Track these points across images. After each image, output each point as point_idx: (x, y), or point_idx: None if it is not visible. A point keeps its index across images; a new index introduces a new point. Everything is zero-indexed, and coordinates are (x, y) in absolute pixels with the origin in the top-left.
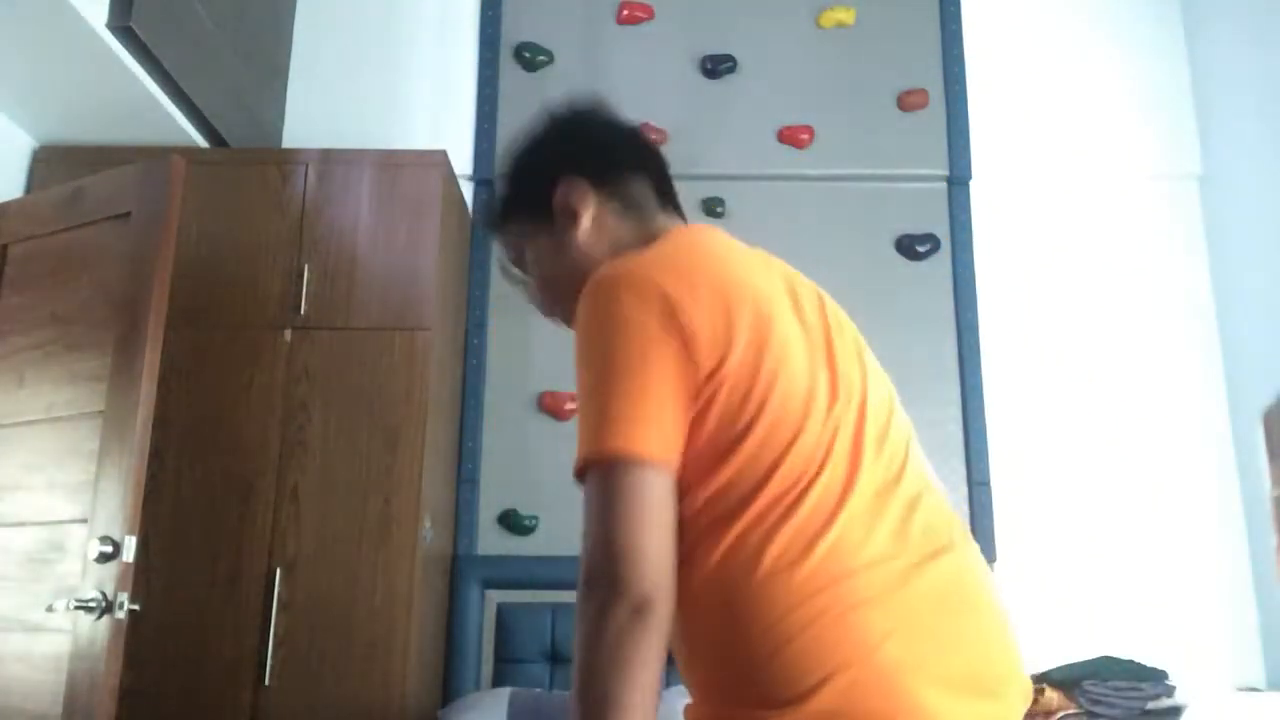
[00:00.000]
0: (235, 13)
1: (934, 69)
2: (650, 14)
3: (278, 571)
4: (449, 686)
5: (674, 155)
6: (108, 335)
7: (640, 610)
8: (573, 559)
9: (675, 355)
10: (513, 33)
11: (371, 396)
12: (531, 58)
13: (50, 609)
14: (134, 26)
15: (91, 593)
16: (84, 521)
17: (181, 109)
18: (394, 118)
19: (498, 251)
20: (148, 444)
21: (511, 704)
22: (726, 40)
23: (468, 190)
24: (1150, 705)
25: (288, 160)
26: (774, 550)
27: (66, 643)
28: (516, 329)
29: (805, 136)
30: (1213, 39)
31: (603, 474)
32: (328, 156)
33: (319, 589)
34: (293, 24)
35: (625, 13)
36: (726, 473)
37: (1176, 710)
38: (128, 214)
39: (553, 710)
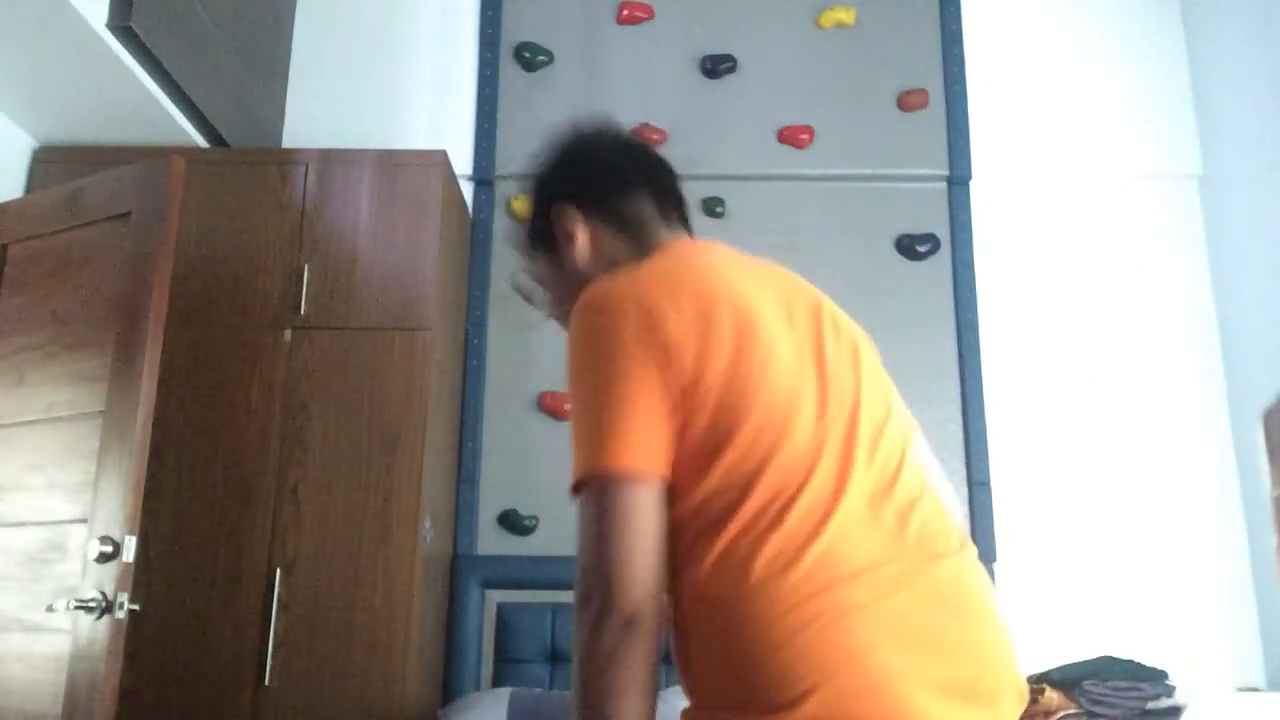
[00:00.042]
0: (235, 13)
1: (934, 69)
2: (650, 14)
3: (278, 571)
4: (449, 686)
5: (674, 155)
6: (108, 335)
7: (630, 624)
8: (573, 559)
9: (656, 367)
10: (513, 33)
11: (371, 396)
12: (531, 58)
13: (50, 609)
14: (134, 26)
15: (91, 593)
16: (84, 521)
17: (181, 109)
18: (394, 118)
19: (512, 270)
20: (148, 444)
21: (511, 704)
22: (726, 40)
23: (468, 190)
24: (1150, 705)
25: (288, 160)
26: (764, 557)
27: (66, 643)
28: (516, 329)
29: (805, 136)
30: (1213, 39)
31: (593, 493)
32: (328, 156)
33: (319, 589)
34: (293, 24)
35: (625, 13)
36: (713, 478)
37: (1176, 710)
38: (128, 214)
39: (553, 710)
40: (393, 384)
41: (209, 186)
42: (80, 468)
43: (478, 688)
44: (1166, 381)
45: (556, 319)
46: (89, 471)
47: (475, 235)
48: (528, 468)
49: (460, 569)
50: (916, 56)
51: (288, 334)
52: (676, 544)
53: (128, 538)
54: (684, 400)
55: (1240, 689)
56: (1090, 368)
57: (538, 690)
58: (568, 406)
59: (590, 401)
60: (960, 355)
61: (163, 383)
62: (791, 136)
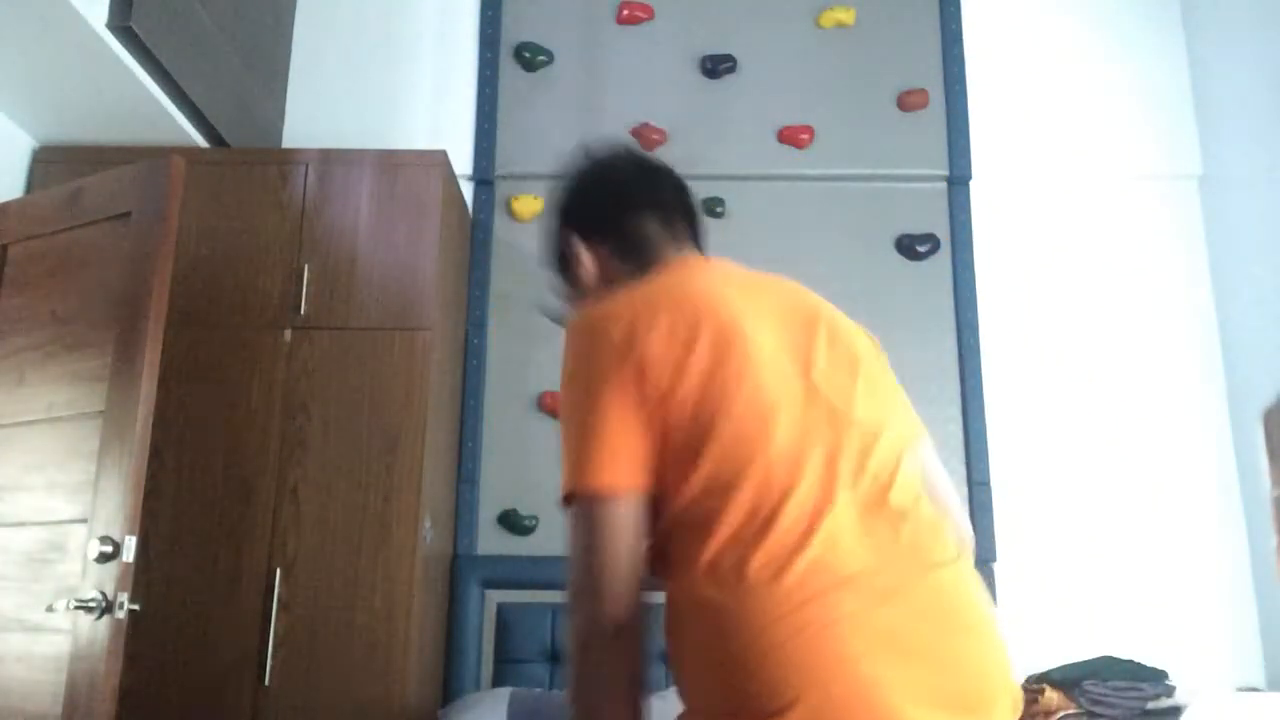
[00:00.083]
0: (235, 13)
1: (934, 69)
2: (650, 14)
3: (278, 571)
4: (449, 686)
5: (674, 155)
6: (108, 335)
7: (612, 635)
8: None
9: (633, 384)
10: (513, 33)
11: (371, 396)
12: (531, 58)
13: (50, 609)
14: (134, 26)
15: (91, 593)
16: (84, 521)
17: (181, 109)
18: (394, 118)
19: (539, 291)
20: (148, 444)
21: (511, 704)
22: (726, 40)
23: (468, 190)
24: (1150, 705)
25: (288, 160)
26: (753, 564)
27: (66, 643)
28: (516, 329)
29: (805, 136)
30: (1213, 39)
31: (577, 510)
32: (328, 156)
33: (319, 589)
34: (293, 24)
35: (625, 13)
36: (695, 484)
37: (1176, 710)
38: (128, 214)
39: (553, 710)
40: (393, 384)
41: (209, 186)
42: (80, 468)
43: (478, 688)
44: (1166, 381)
45: None
46: (89, 471)
47: (475, 235)
48: (528, 468)
49: (460, 569)
50: (916, 56)
51: (288, 334)
52: (667, 550)
53: (128, 538)
54: (661, 412)
55: (1240, 689)
56: (1090, 368)
57: (538, 690)
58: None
59: (572, 419)
60: (960, 355)
61: (163, 383)
62: (791, 136)
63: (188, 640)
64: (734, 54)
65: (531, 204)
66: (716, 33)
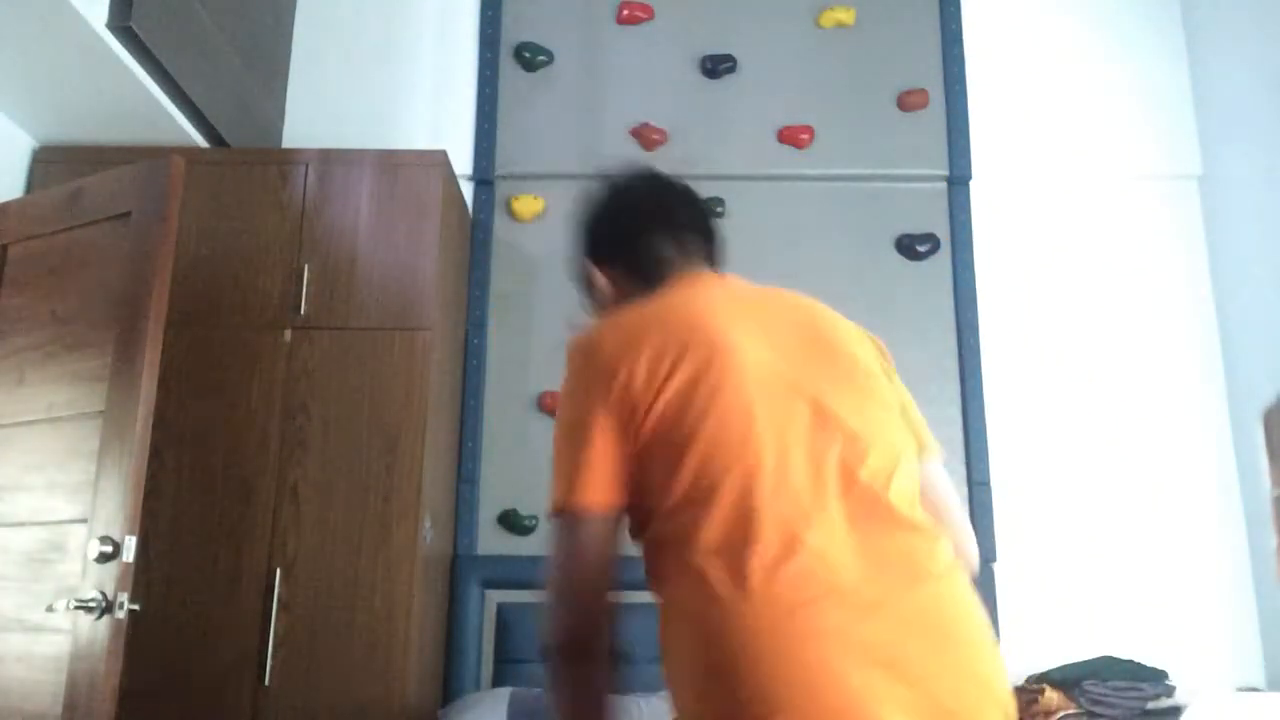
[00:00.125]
0: (235, 13)
1: (934, 69)
2: (650, 14)
3: (278, 571)
4: (449, 686)
5: (674, 155)
6: (108, 335)
7: (579, 649)
8: None
9: (613, 402)
10: (513, 33)
11: (371, 396)
12: (531, 58)
13: (50, 609)
14: (134, 26)
15: (91, 593)
16: (84, 521)
17: (181, 109)
18: (394, 118)
19: (571, 312)
20: (148, 444)
21: (511, 704)
22: (726, 40)
23: (468, 190)
24: (1150, 705)
25: (288, 160)
26: (737, 574)
27: (66, 643)
28: (516, 329)
29: (805, 136)
30: (1213, 39)
31: (559, 524)
32: (328, 156)
33: (319, 589)
34: (293, 24)
35: (625, 13)
36: (677, 495)
37: (1176, 710)
38: (128, 214)
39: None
40: (393, 384)
41: (209, 186)
42: (80, 468)
43: (478, 688)
44: (1166, 381)
45: None
46: (89, 471)
47: (475, 235)
48: (528, 468)
49: (460, 569)
50: (916, 56)
51: (288, 334)
52: (656, 560)
53: (128, 538)
54: (643, 427)
55: (1240, 689)
56: (1090, 368)
57: (538, 690)
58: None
59: (562, 438)
60: (960, 355)
61: (163, 383)
62: (791, 136)
63: (188, 640)
64: (734, 54)
65: (531, 204)
66: (716, 33)
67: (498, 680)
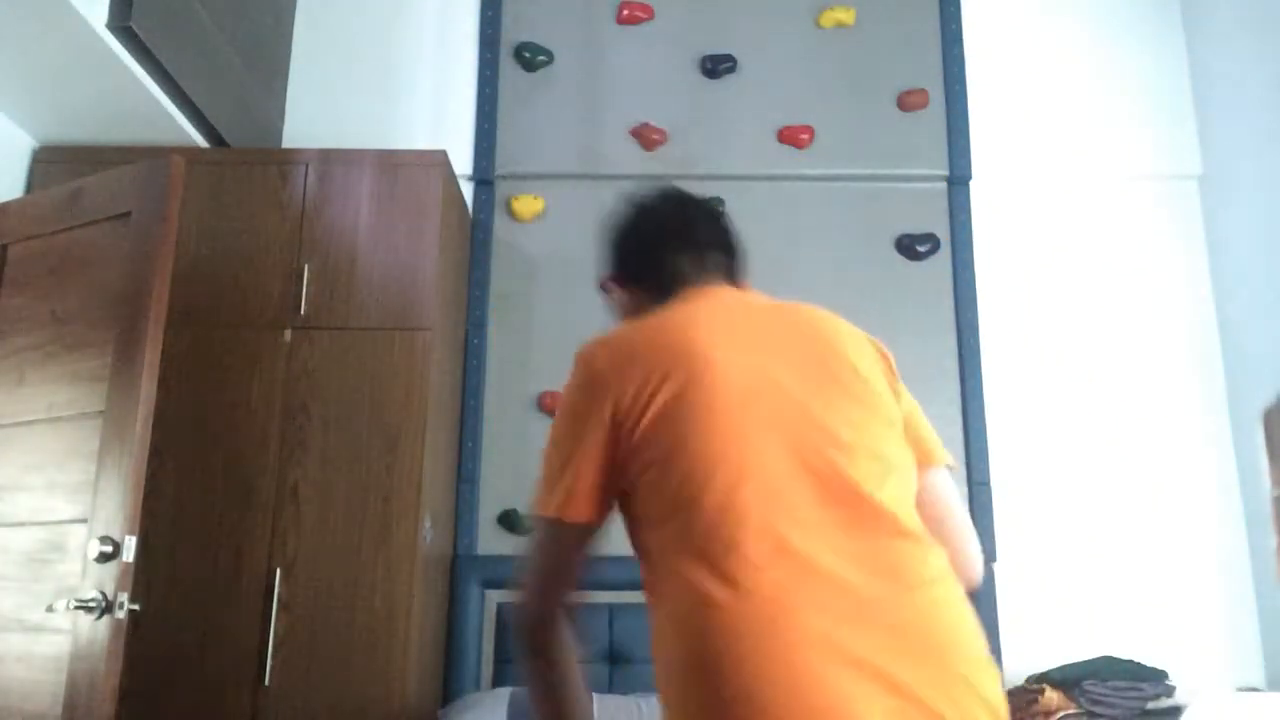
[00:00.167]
0: (235, 13)
1: (934, 69)
2: (650, 14)
3: (278, 571)
4: (449, 686)
5: (674, 155)
6: (107, 335)
7: (541, 620)
8: None
9: (599, 416)
10: (513, 33)
11: (371, 396)
12: (531, 58)
13: (50, 609)
14: (134, 26)
15: (91, 593)
16: (84, 521)
17: (181, 109)
18: (394, 118)
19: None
20: (148, 444)
21: (511, 704)
22: (726, 40)
23: (468, 190)
24: (1150, 705)
25: (288, 160)
26: (722, 580)
27: (66, 643)
28: (516, 329)
29: (805, 136)
30: (1213, 39)
31: (538, 525)
32: (328, 156)
33: (319, 589)
34: (293, 24)
35: (625, 13)
36: (663, 505)
37: (1176, 710)
38: (128, 214)
39: None
40: (393, 384)
41: (209, 186)
42: (80, 468)
43: (478, 688)
44: (1166, 381)
45: None
46: (89, 471)
47: (475, 235)
48: (528, 468)
49: (460, 569)
50: (916, 56)
51: (288, 334)
52: (648, 567)
53: (128, 538)
54: (626, 440)
55: (1240, 689)
56: (1090, 368)
57: None
58: None
59: (550, 442)
60: (960, 355)
61: (163, 383)
62: (791, 136)
63: (188, 640)
64: (734, 54)
65: (531, 204)
66: (716, 33)
67: (498, 680)
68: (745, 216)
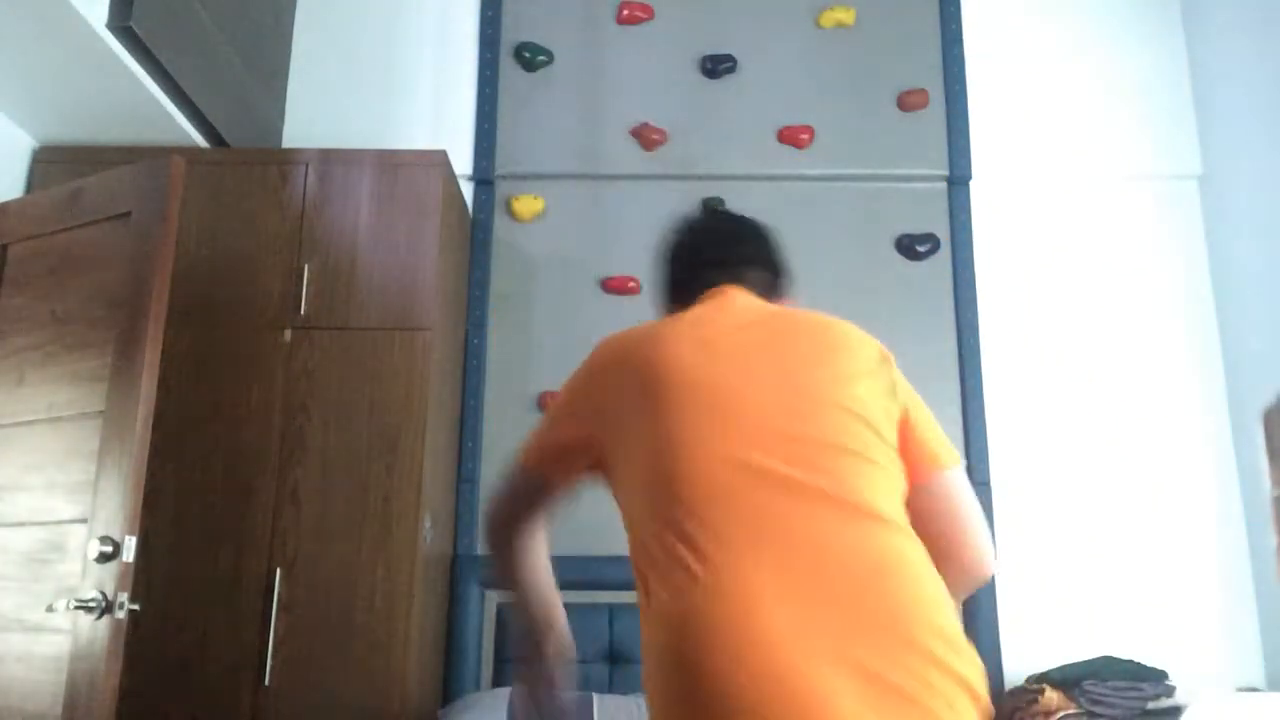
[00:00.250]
0: (235, 13)
1: (934, 69)
2: (650, 14)
3: (278, 571)
4: (449, 686)
5: (674, 155)
6: (108, 335)
7: (496, 540)
8: (572, 559)
9: (591, 405)
10: (513, 33)
11: (371, 396)
12: (531, 58)
13: (50, 609)
14: (134, 26)
15: (91, 593)
16: (84, 521)
17: (181, 109)
18: (394, 118)
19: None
20: (148, 444)
21: (512, 704)
22: (726, 40)
23: (468, 190)
24: (1150, 705)
25: (288, 160)
26: (688, 577)
27: (66, 643)
28: (516, 329)
29: (805, 136)
30: (1212, 39)
31: (514, 466)
32: (328, 156)
33: (319, 589)
34: (293, 24)
35: (625, 13)
36: (636, 506)
37: (1176, 710)
38: (128, 214)
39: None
40: (393, 384)
41: (209, 186)
42: (80, 468)
43: (478, 688)
44: (1166, 381)
45: None
46: (89, 471)
47: (475, 235)
48: None
49: (460, 569)
50: (916, 56)
51: (288, 334)
52: (633, 566)
53: (128, 538)
54: (595, 430)
55: (1240, 689)
56: (1090, 368)
57: None
58: None
59: (549, 408)
60: (960, 355)
61: (163, 383)
62: (791, 136)
63: (188, 640)
64: (734, 54)
65: (531, 204)
66: (716, 33)
67: (498, 680)
68: None
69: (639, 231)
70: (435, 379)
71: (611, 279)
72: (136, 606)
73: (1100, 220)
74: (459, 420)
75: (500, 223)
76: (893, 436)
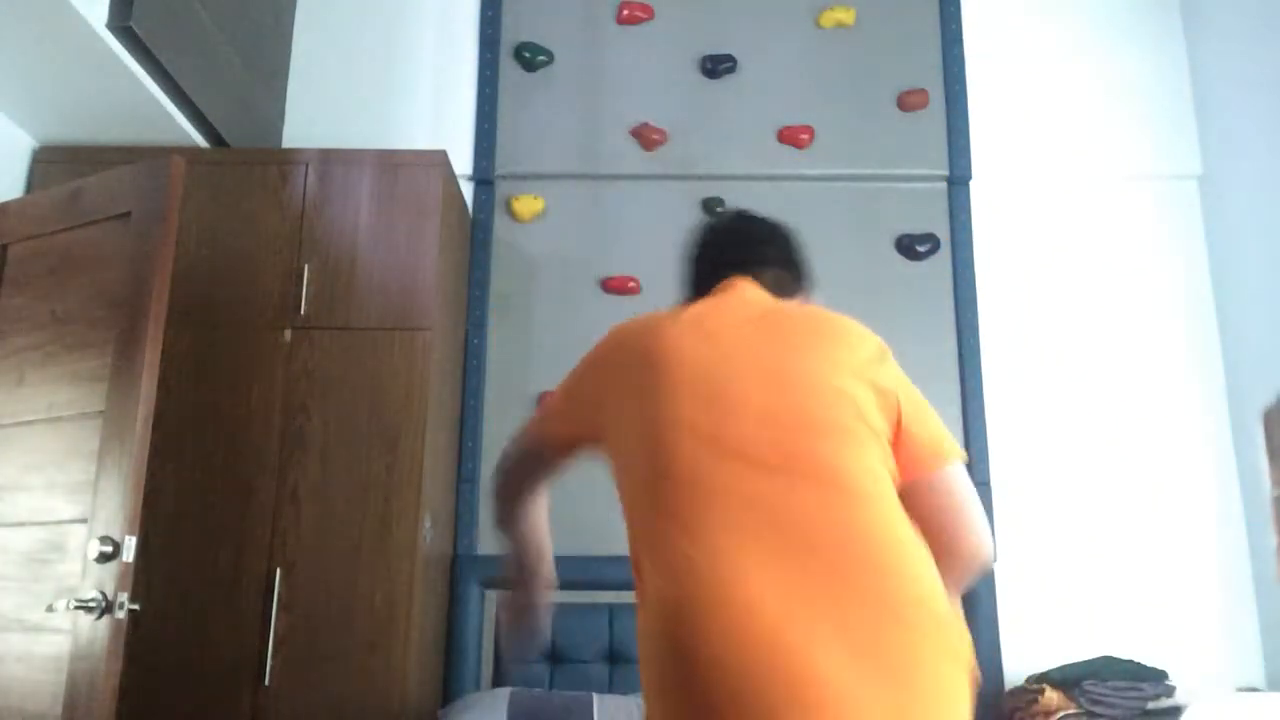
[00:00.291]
0: (235, 13)
1: (934, 69)
2: (650, 14)
3: (278, 571)
4: (449, 686)
5: (674, 155)
6: (107, 335)
7: (503, 494)
8: (572, 559)
9: (595, 384)
10: (513, 33)
11: (371, 396)
12: (531, 58)
13: (50, 609)
14: (134, 26)
15: (91, 593)
16: (84, 521)
17: (181, 109)
18: (394, 118)
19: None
20: (148, 444)
21: (511, 704)
22: (726, 40)
23: (468, 190)
24: (1150, 705)
25: (288, 160)
26: (672, 574)
27: (66, 643)
28: (516, 329)
29: (805, 136)
30: (1212, 39)
31: (527, 424)
32: (328, 156)
33: (319, 589)
34: (293, 24)
35: (625, 13)
36: (627, 496)
37: (1176, 710)
38: (128, 214)
39: (553, 710)
40: (393, 384)
41: (209, 186)
42: (80, 468)
43: (478, 688)
44: (1166, 381)
45: None
46: (89, 471)
47: (475, 235)
48: None
49: (460, 569)
50: (916, 56)
51: (288, 334)
52: (633, 561)
53: (128, 538)
54: (594, 414)
55: (1240, 689)
56: (1090, 368)
57: (538, 690)
58: None
59: (560, 384)
60: (960, 355)
61: (163, 383)
62: (791, 136)
63: (188, 640)
64: (734, 54)
65: (531, 204)
66: (716, 33)
67: (498, 680)
68: None
69: (639, 231)
70: (435, 379)
71: (611, 279)
72: (136, 606)
73: (1100, 220)
74: (459, 420)
75: (500, 223)
76: (880, 423)
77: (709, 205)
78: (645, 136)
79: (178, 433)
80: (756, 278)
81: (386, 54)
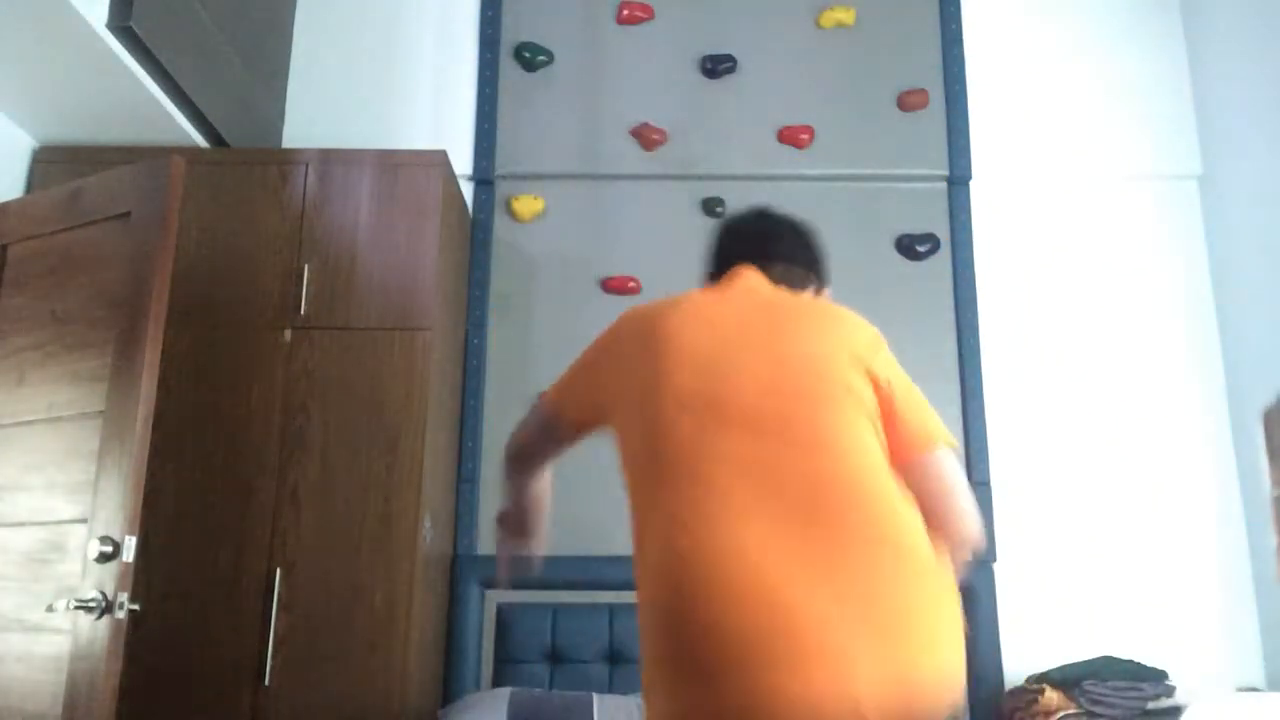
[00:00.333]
0: (235, 13)
1: (934, 69)
2: (650, 14)
3: (278, 571)
4: (449, 686)
5: (674, 155)
6: (107, 335)
7: (511, 461)
8: (572, 559)
9: (604, 363)
10: (513, 33)
11: (371, 396)
12: (531, 58)
13: (50, 609)
14: (134, 26)
15: (91, 593)
16: (84, 521)
17: (181, 109)
18: (394, 118)
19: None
20: (148, 444)
21: (511, 704)
22: (726, 40)
23: (468, 190)
24: (1150, 705)
25: (288, 160)
26: (671, 533)
27: (66, 643)
28: (516, 329)
29: (805, 136)
30: (1212, 39)
31: (539, 399)
32: (328, 156)
33: (319, 589)
34: (293, 24)
35: (625, 13)
36: (622, 453)
37: (1176, 710)
38: (128, 214)
39: (553, 710)
40: (393, 384)
41: (209, 186)
42: (80, 468)
43: (478, 688)
44: (1166, 381)
45: None
46: (89, 471)
47: (475, 235)
48: None
49: (460, 569)
50: (916, 56)
51: (288, 334)
52: (634, 537)
53: (128, 538)
54: (600, 396)
55: (1240, 689)
56: (1090, 368)
57: (538, 690)
58: None
59: (575, 360)
60: (960, 355)
61: (163, 383)
62: (791, 136)
63: (188, 640)
64: (734, 54)
65: (531, 204)
66: (716, 33)
67: (498, 680)
68: None
69: (639, 231)
70: (435, 379)
71: (611, 279)
72: (136, 606)
73: (1100, 220)
74: (459, 420)
75: (500, 223)
76: (872, 404)
77: (709, 205)
78: (645, 136)
79: (178, 433)
80: (764, 269)
81: (386, 54)
